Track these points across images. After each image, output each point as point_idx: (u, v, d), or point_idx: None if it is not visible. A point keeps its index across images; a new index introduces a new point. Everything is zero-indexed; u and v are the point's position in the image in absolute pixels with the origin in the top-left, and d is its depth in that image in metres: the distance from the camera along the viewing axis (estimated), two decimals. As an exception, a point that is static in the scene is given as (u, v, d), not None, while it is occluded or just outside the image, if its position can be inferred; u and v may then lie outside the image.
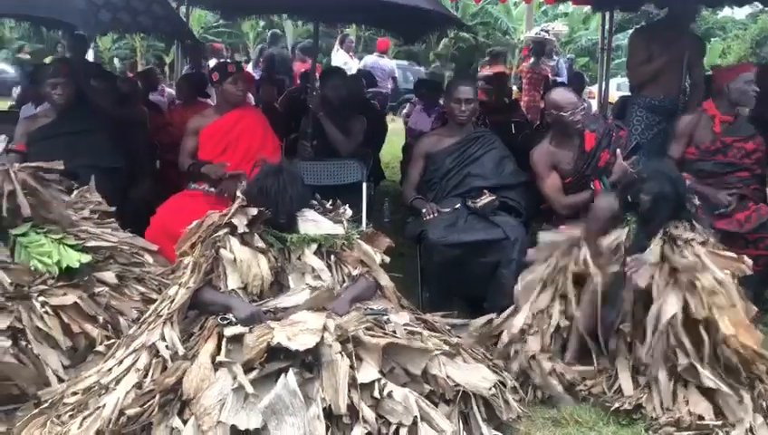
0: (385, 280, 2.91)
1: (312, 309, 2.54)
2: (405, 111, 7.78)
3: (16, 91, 16.53)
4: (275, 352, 2.37)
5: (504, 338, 3.03)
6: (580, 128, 3.56)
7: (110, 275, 3.20)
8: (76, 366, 2.83)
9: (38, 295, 2.89)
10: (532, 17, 17.58)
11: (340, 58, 10.03)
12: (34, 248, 3.12)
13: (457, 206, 3.61)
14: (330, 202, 3.10)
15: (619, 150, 3.52)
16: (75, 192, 3.60)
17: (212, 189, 3.84)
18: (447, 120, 5.85)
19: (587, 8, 24.48)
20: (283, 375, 2.28)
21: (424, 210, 3.59)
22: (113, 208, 3.62)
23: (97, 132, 4.06)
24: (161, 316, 2.69)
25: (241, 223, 2.80)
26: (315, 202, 3.07)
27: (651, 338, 2.77)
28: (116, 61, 17.75)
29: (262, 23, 18.97)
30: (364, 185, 4.09)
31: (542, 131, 6.35)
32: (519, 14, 20.71)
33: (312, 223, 2.93)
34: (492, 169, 3.73)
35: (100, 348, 2.82)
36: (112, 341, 2.86)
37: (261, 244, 2.79)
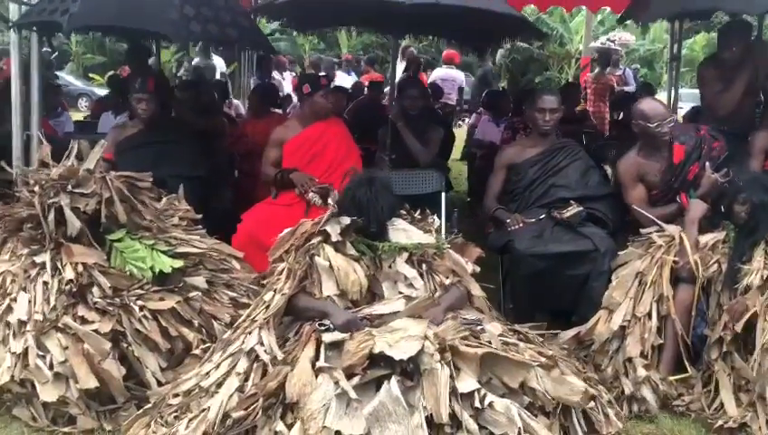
0: (476, 290, 2.90)
1: (412, 317, 2.54)
2: (470, 121, 7.74)
3: (82, 102, 17.15)
4: (375, 359, 2.38)
5: (602, 334, 2.99)
6: (669, 140, 3.49)
7: (200, 280, 3.28)
8: (173, 369, 2.91)
9: (136, 299, 2.98)
10: (591, 27, 17.37)
11: (401, 69, 10.09)
12: (130, 254, 3.22)
13: (542, 217, 3.57)
14: (418, 212, 3.11)
15: (708, 164, 3.44)
16: (164, 200, 3.71)
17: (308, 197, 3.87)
18: (518, 131, 5.91)
19: (645, 17, 23.89)
20: (385, 382, 2.29)
21: (508, 220, 3.56)
22: (200, 216, 3.72)
23: (181, 142, 4.17)
24: (257, 321, 2.74)
25: (334, 231, 2.82)
26: (404, 211, 3.09)
27: (758, 354, 2.68)
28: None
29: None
30: (443, 195, 4.08)
31: (612, 142, 6.28)
32: (575, 24, 20.45)
33: (403, 232, 2.94)
34: (577, 180, 3.68)
35: (197, 351, 2.89)
36: (208, 344, 2.92)
37: (353, 252, 2.81)
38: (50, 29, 4.01)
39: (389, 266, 2.84)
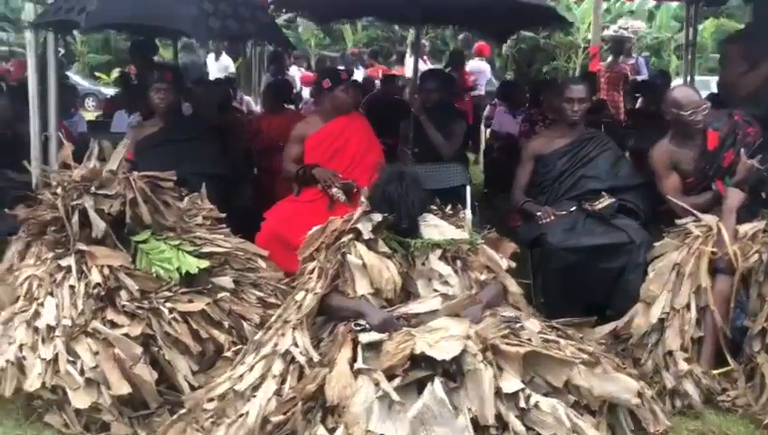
0: (513, 286, 2.83)
1: (451, 316, 2.47)
2: (485, 113, 7.65)
3: (89, 102, 17.10)
4: (415, 360, 2.32)
5: (640, 327, 2.92)
6: (702, 127, 3.40)
7: (227, 281, 3.22)
8: (204, 372, 2.85)
9: (164, 302, 2.92)
10: (600, 15, 17.19)
11: (413, 63, 9.97)
12: (155, 255, 3.16)
13: (572, 209, 3.49)
14: (450, 206, 3.04)
15: (743, 150, 3.35)
16: (186, 199, 3.65)
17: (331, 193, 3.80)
18: (536, 123, 5.83)
19: (651, 5, 23.79)
20: (429, 384, 2.22)
21: (539, 213, 3.49)
22: (224, 215, 3.66)
23: (201, 140, 4.11)
24: (289, 322, 2.68)
25: (366, 229, 2.76)
26: (434, 206, 3.02)
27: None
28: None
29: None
30: (468, 188, 4.01)
31: (630, 132, 6.19)
32: (582, 13, 20.25)
33: (435, 228, 2.87)
34: (607, 171, 3.60)
35: (228, 354, 2.83)
36: (239, 346, 2.87)
37: (386, 249, 2.75)
38: (67, 28, 3.94)
39: (422, 264, 2.77)
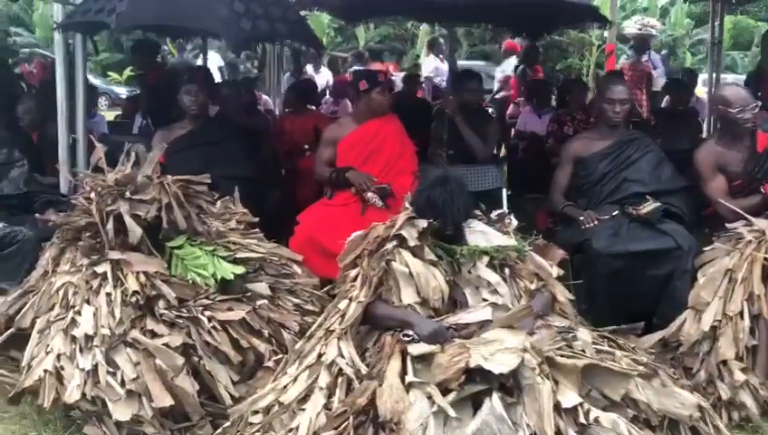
0: (562, 295, 2.75)
1: (505, 327, 2.39)
2: (508, 112, 7.56)
3: (102, 102, 17.11)
4: (469, 374, 2.24)
5: (691, 335, 2.83)
6: (751, 127, 3.31)
7: (263, 287, 3.14)
8: (244, 382, 2.78)
9: (203, 310, 2.85)
10: (615, 13, 17.03)
11: (431, 63, 9.87)
12: (191, 261, 3.09)
13: (615, 213, 3.40)
14: (495, 212, 2.95)
15: None
16: (218, 203, 3.58)
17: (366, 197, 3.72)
18: (564, 123, 5.74)
19: (665, 2, 23.51)
20: (487, 399, 2.14)
21: (581, 218, 3.40)
22: (257, 219, 3.59)
23: (231, 142, 4.05)
24: (332, 331, 2.61)
25: (411, 235, 2.67)
26: (479, 212, 2.94)
27: None
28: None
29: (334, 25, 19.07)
30: (504, 191, 3.93)
31: (658, 132, 6.08)
32: (594, 10, 20.05)
33: (481, 234, 2.78)
34: (650, 174, 3.51)
35: (269, 364, 2.76)
36: (279, 356, 2.80)
37: (432, 257, 2.66)
38: (97, 29, 3.88)
39: (469, 271, 2.68)
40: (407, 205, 2.80)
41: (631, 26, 9.73)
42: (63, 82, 4.06)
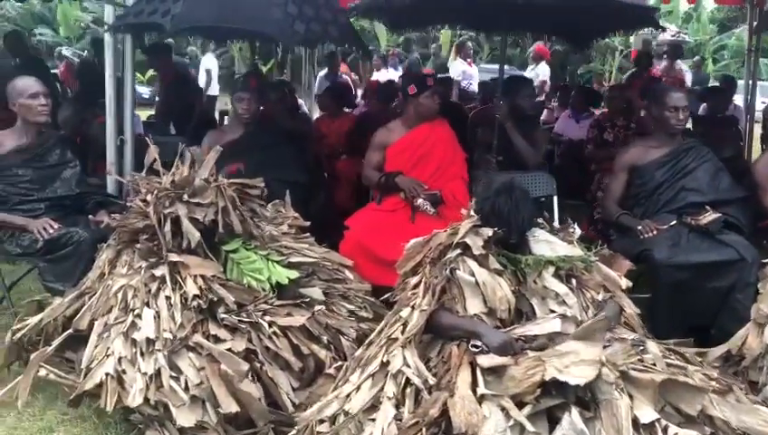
0: (629, 307, 2.70)
1: (580, 339, 2.35)
2: (542, 117, 7.50)
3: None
4: (545, 387, 2.20)
5: (754, 349, 2.78)
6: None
7: (317, 292, 3.13)
8: (303, 389, 2.76)
9: (262, 315, 2.83)
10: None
11: (458, 67, 9.83)
12: (247, 265, 3.08)
13: (673, 223, 3.35)
14: (557, 220, 2.91)
15: None
16: (270, 206, 3.57)
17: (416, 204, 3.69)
18: (605, 129, 5.67)
19: (689, 7, 23.20)
20: (566, 414, 2.10)
21: (640, 227, 3.34)
22: (308, 223, 3.57)
23: (281, 146, 4.04)
24: (394, 339, 2.58)
25: (475, 244, 2.64)
26: (542, 220, 2.89)
27: None
28: (214, 72, 18.26)
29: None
30: (555, 199, 3.88)
31: (699, 139, 5.98)
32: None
33: (546, 243, 2.74)
34: (708, 183, 3.45)
35: (330, 371, 2.74)
36: (340, 363, 2.77)
37: (498, 266, 2.62)
38: (149, 30, 3.88)
39: (534, 282, 2.65)
40: (470, 212, 2.77)
41: (667, 33, 9.65)
42: (112, 83, 4.06)
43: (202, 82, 9.22)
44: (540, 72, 9.12)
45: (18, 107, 3.48)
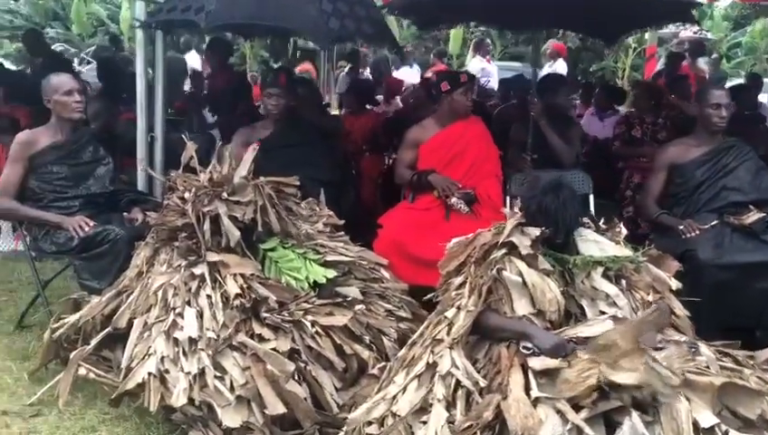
0: (679, 308, 2.65)
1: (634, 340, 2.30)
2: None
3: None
4: (601, 389, 2.16)
5: None
6: None
7: (354, 291, 3.09)
8: (346, 389, 2.73)
9: (304, 314, 2.80)
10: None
11: (476, 64, 9.77)
12: (284, 263, 3.06)
13: (715, 222, 3.30)
14: (603, 219, 2.87)
15: None
16: (304, 204, 3.54)
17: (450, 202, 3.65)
18: (633, 126, 5.60)
19: (704, 4, 23.14)
20: (627, 418, 2.06)
21: (681, 227, 3.29)
22: (342, 222, 3.54)
23: (313, 144, 4.01)
24: (440, 341, 2.54)
25: (522, 243, 2.59)
26: (587, 220, 2.85)
27: None
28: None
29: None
30: (591, 197, 3.83)
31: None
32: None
33: (594, 243, 2.69)
34: (750, 182, 3.40)
35: (374, 371, 2.70)
36: (383, 363, 2.74)
37: (546, 266, 2.58)
38: (183, 27, 3.85)
39: (582, 282, 2.61)
40: (515, 210, 2.73)
41: (688, 31, 9.54)
42: (143, 80, 4.04)
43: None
44: (557, 70, 9.04)
45: (53, 104, 3.45)
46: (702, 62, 10.45)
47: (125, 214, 3.45)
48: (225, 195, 2.99)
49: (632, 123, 5.56)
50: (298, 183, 3.32)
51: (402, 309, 3.20)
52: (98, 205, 3.48)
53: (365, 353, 2.76)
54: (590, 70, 21.09)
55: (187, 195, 3.06)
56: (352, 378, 2.75)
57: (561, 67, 9.33)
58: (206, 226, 2.94)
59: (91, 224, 3.25)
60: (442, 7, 3.89)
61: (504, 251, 2.62)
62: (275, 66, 9.94)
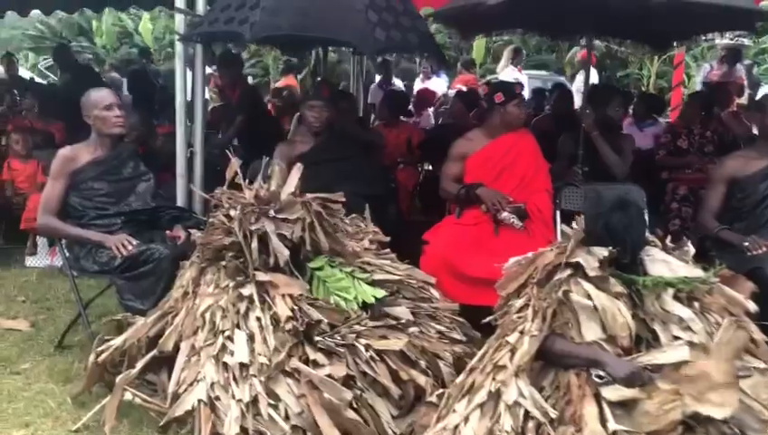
0: (758, 333, 2.50)
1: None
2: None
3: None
4: (685, 422, 2.03)
5: None
6: None
7: (404, 312, 2.97)
8: (403, 418, 2.61)
9: (356, 337, 2.69)
10: (684, 21, 16.51)
11: (509, 74, 9.62)
12: (333, 283, 2.95)
13: (779, 239, 3.14)
14: (669, 238, 2.73)
15: None
16: (349, 221, 3.44)
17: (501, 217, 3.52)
18: (679, 135, 5.44)
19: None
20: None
21: (746, 244, 3.14)
22: (388, 239, 3.43)
23: (355, 158, 3.91)
24: (501, 367, 2.41)
25: (590, 264, 2.46)
26: (654, 238, 2.71)
27: None
28: (249, 80, 18.20)
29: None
30: (645, 212, 3.67)
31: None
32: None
33: (663, 263, 2.55)
34: (815, 197, 3.24)
35: (432, 398, 2.57)
36: (441, 390, 2.61)
37: (619, 288, 2.44)
38: (227, 39, 3.78)
39: (652, 305, 2.47)
40: (574, 227, 2.60)
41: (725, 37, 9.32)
42: (182, 94, 3.97)
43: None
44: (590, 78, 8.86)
45: (93, 119, 3.39)
46: (740, 70, 10.24)
47: (167, 231, 3.36)
48: (272, 212, 2.90)
49: (678, 133, 5.40)
50: (343, 199, 3.21)
51: (455, 331, 3.07)
52: (139, 222, 3.40)
53: (421, 379, 2.64)
54: (617, 77, 20.83)
55: (233, 212, 2.97)
56: (408, 405, 2.63)
57: (593, 75, 9.16)
58: (254, 244, 2.84)
59: (134, 243, 3.17)
60: (487, 16, 3.76)
61: (569, 272, 2.49)
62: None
